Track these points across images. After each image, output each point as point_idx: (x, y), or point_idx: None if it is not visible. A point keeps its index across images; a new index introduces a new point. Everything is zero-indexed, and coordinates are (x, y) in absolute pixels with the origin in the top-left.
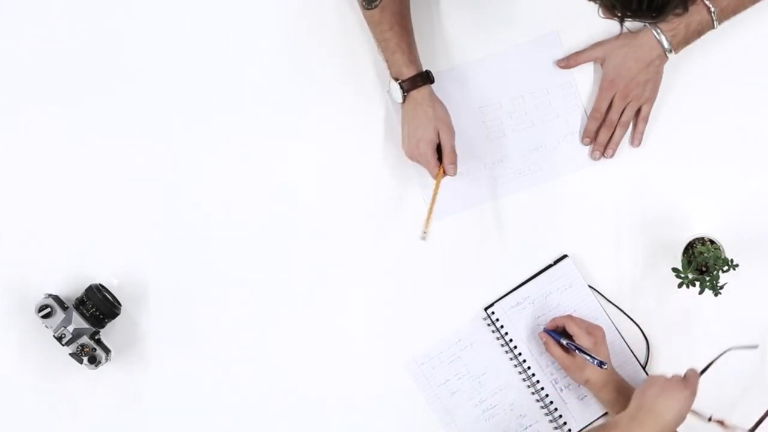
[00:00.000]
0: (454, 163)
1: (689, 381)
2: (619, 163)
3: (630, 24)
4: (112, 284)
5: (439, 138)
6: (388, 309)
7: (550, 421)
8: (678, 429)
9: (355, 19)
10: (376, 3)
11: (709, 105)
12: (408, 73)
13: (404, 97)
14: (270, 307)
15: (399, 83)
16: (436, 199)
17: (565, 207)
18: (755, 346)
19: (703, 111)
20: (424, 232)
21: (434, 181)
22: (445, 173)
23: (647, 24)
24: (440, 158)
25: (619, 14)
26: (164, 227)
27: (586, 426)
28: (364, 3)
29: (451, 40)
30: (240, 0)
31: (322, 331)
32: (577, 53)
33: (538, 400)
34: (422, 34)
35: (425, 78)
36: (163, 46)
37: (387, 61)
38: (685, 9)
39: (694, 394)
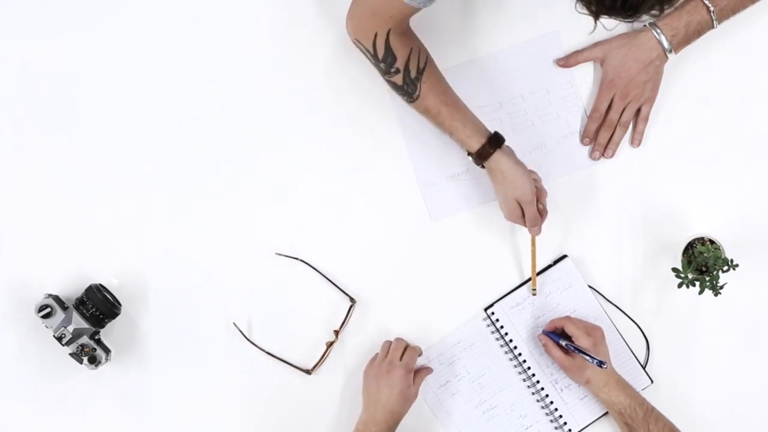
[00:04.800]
0: (536, 225)
1: (395, 362)
2: (619, 163)
3: (631, 23)
4: (112, 284)
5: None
6: (388, 311)
7: (551, 421)
8: None
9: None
10: (417, 94)
11: (708, 105)
12: (474, 145)
13: (482, 166)
14: (270, 308)
15: (470, 156)
16: (535, 255)
17: (565, 207)
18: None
19: (702, 111)
20: (533, 289)
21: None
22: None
23: (646, 24)
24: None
25: (594, 10)
26: (164, 227)
27: (587, 426)
28: (405, 98)
29: (450, 40)
30: (236, 5)
31: (322, 336)
32: (577, 52)
33: (538, 401)
34: (422, 34)
35: (493, 143)
36: (164, 49)
37: (454, 141)
38: (661, 10)
39: (408, 371)
